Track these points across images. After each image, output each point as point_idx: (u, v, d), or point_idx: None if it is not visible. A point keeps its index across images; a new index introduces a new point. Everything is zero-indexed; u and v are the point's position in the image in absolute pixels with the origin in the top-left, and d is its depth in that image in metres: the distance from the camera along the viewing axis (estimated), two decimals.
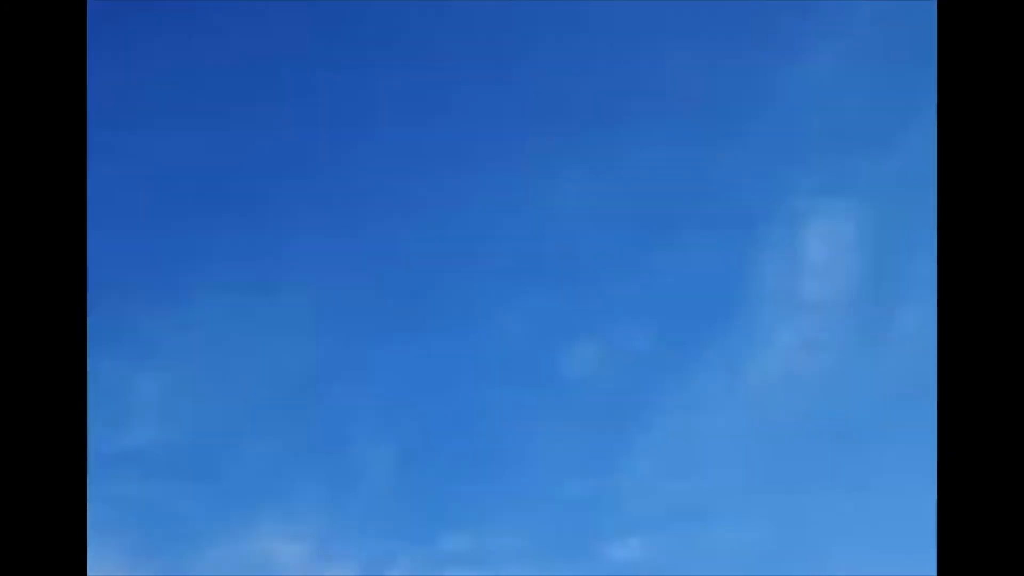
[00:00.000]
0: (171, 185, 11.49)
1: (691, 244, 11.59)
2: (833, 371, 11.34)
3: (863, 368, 11.33)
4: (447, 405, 11.69)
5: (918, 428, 10.37)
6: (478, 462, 11.55)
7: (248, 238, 11.64)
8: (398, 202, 11.63)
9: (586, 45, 11.29)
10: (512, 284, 11.69)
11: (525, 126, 11.41)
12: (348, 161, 11.60)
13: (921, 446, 9.83)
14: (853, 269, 11.29)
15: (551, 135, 11.32)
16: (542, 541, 11.26)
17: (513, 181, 11.63)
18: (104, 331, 10.82)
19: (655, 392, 11.58)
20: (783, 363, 11.36)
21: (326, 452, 11.55)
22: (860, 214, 11.27)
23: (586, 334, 11.63)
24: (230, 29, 11.20)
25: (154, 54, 11.10)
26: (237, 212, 11.63)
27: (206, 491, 11.29)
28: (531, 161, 11.46)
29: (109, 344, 11.09)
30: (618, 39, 11.18)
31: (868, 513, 10.96)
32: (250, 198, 11.64)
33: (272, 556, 11.09)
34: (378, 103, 11.47)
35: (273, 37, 11.20)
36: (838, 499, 11.07)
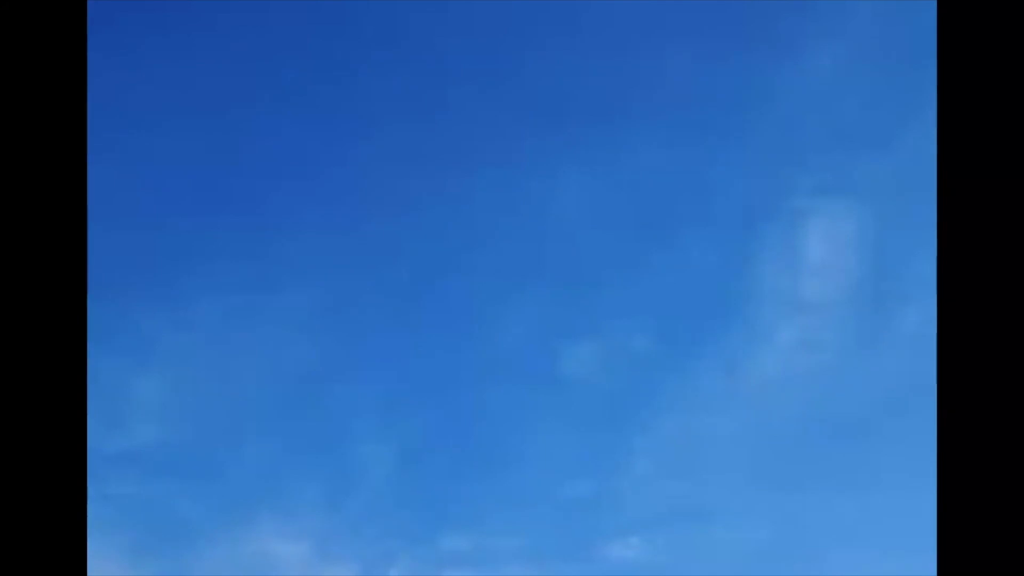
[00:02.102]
0: (171, 185, 11.50)
1: (691, 244, 11.61)
2: (832, 371, 11.35)
3: (862, 368, 11.33)
4: (447, 405, 11.70)
5: (917, 428, 10.38)
6: (478, 462, 11.55)
7: (248, 238, 11.65)
8: (398, 202, 11.64)
9: (586, 45, 11.30)
10: (512, 284, 11.69)
11: (525, 126, 11.42)
12: (348, 161, 11.60)
13: (920, 446, 9.84)
14: (853, 269, 11.29)
15: (551, 135, 11.33)
16: (542, 541, 11.27)
17: (513, 181, 11.64)
18: (104, 331, 10.82)
19: (655, 392, 11.58)
20: (783, 363, 11.36)
21: (326, 452, 11.56)
22: (860, 214, 11.27)
23: (586, 334, 11.63)
24: (230, 29, 11.21)
25: (154, 54, 11.11)
26: (237, 212, 11.64)
27: (206, 491, 11.29)
28: (531, 161, 11.47)
29: (109, 344, 11.10)
30: (618, 39, 11.18)
31: (868, 513, 10.97)
32: (250, 198, 11.65)
33: (271, 556, 11.08)
34: (378, 103, 11.48)
35: (273, 37, 11.21)
36: (838, 499, 11.08)
